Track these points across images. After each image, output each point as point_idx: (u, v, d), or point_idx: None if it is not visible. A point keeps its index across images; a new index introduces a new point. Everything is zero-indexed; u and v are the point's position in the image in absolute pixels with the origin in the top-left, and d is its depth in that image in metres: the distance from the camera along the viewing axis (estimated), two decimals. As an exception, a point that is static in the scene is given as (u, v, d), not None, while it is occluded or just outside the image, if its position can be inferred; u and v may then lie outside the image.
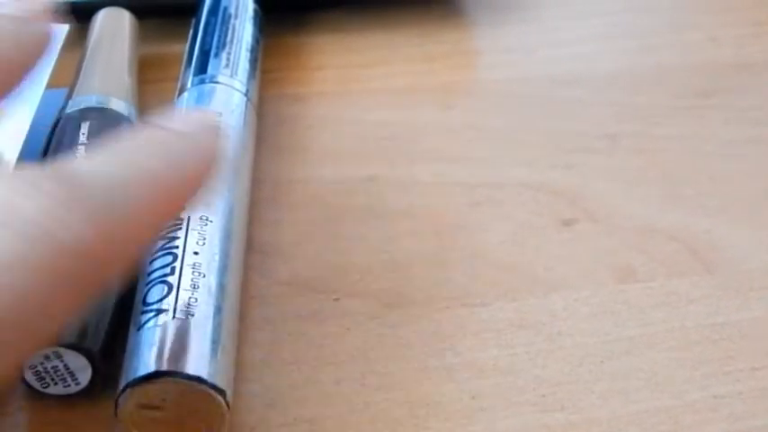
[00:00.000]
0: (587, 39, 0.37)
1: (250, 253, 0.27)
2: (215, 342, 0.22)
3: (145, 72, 0.32)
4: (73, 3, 0.34)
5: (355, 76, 0.34)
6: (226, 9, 0.33)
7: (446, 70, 0.35)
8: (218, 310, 0.23)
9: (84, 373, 0.22)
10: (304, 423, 0.23)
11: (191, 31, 0.32)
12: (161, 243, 0.24)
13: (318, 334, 0.25)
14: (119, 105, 0.29)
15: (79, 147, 0.27)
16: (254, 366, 0.24)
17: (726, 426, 0.23)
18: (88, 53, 0.31)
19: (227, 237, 0.25)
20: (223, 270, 0.24)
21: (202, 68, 0.30)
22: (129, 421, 0.21)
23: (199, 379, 0.21)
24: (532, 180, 0.30)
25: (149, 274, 0.23)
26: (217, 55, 0.30)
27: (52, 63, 0.29)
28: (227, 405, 0.21)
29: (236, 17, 0.32)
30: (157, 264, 0.23)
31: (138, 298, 0.23)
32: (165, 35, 0.34)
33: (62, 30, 0.30)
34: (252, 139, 0.29)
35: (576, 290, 0.26)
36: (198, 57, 0.30)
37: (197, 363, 0.21)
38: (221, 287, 0.23)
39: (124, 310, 0.24)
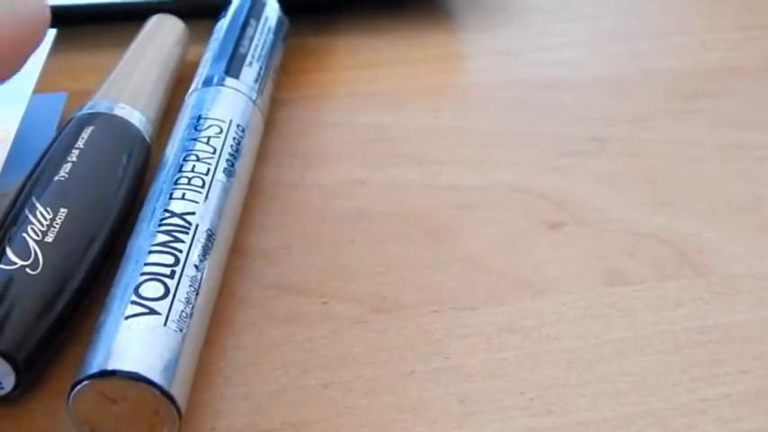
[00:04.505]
0: (575, 42, 0.37)
1: (237, 256, 0.27)
2: (185, 357, 0.22)
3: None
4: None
5: (342, 80, 0.34)
6: (267, 19, 0.33)
7: (433, 74, 0.35)
8: (196, 328, 0.23)
9: (8, 379, 0.22)
10: (291, 428, 0.23)
11: (223, 30, 0.32)
12: (163, 239, 0.24)
13: (306, 338, 0.25)
14: (130, 114, 0.28)
15: (74, 150, 0.26)
16: (241, 371, 0.24)
17: (714, 429, 0.23)
18: (122, 59, 0.31)
19: (223, 255, 0.25)
20: (210, 292, 0.24)
21: (234, 73, 0.30)
22: (80, 403, 0.21)
23: (171, 398, 0.21)
24: (520, 183, 0.30)
25: (146, 264, 0.23)
26: (251, 64, 0.30)
27: (40, 67, 0.29)
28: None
29: (274, 32, 0.33)
30: (157, 258, 0.23)
31: (128, 281, 0.23)
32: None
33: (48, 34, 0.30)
34: (254, 147, 0.29)
35: (565, 293, 0.26)
36: (230, 59, 0.30)
37: (171, 378, 0.21)
38: (205, 306, 0.24)
39: (62, 320, 0.23)
